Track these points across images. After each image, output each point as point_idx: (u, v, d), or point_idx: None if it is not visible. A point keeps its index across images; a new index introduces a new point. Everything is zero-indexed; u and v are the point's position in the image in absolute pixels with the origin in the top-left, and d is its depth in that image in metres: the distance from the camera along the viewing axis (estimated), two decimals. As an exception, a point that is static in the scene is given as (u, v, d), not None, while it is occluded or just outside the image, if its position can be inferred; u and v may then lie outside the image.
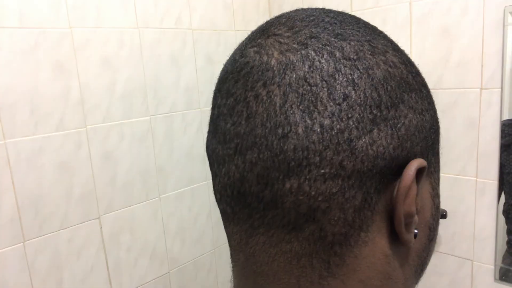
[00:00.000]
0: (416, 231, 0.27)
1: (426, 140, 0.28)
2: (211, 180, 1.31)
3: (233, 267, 0.31)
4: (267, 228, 0.26)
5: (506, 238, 1.27)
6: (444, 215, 1.34)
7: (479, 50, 1.21)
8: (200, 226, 1.57)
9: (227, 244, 1.43)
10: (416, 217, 0.27)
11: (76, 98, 1.20)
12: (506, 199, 1.25)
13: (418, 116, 0.27)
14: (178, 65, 1.43)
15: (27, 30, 1.09)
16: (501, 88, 1.19)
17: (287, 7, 1.64)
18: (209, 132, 0.30)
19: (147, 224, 1.41)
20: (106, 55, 1.25)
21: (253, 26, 1.65)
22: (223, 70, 0.30)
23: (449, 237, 1.37)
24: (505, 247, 1.28)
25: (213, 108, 0.30)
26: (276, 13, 1.71)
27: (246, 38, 0.30)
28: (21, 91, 1.09)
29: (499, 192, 1.25)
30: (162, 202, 1.44)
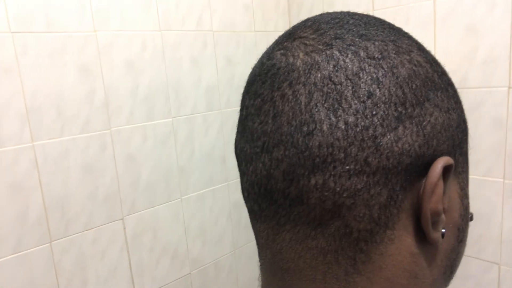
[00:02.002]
0: (443, 230, 0.27)
1: (453, 138, 0.28)
2: (231, 182, 1.31)
3: (261, 264, 0.31)
4: (293, 224, 0.27)
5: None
6: (470, 218, 1.31)
7: (507, 48, 1.18)
8: (220, 227, 1.57)
9: (246, 245, 1.44)
10: (443, 216, 0.26)
11: (101, 101, 1.21)
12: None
13: (444, 114, 0.27)
14: (199, 66, 1.43)
15: (54, 35, 1.10)
16: (530, 87, 1.16)
17: (306, 7, 1.63)
18: (237, 132, 0.31)
19: (169, 225, 1.42)
20: (129, 57, 1.26)
21: (272, 27, 1.66)
22: (251, 73, 0.31)
23: (474, 239, 1.34)
24: (534, 250, 1.25)
25: (241, 110, 0.30)
26: (295, 13, 1.72)
27: (273, 43, 0.31)
28: (48, 94, 1.11)
29: (527, 193, 1.22)
30: (183, 203, 1.45)
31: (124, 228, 1.30)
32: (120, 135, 1.26)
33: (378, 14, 1.42)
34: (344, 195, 0.25)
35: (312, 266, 0.27)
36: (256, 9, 1.59)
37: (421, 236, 0.27)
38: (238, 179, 1.60)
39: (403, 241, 0.26)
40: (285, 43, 0.28)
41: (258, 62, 0.31)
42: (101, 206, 1.24)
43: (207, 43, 1.45)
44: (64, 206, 1.16)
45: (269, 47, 0.30)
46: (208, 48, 1.45)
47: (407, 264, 0.26)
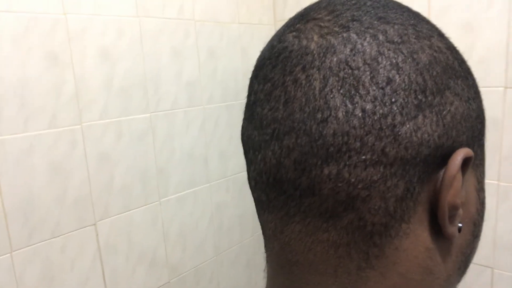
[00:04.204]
0: (460, 225, 0.26)
1: (472, 129, 0.27)
2: (213, 183, 1.19)
3: (267, 256, 0.30)
4: (303, 216, 0.25)
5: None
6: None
7: (503, 46, 1.14)
8: (202, 231, 1.47)
9: (228, 250, 1.32)
10: (460, 210, 0.25)
11: (71, 93, 1.08)
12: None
13: (464, 104, 0.26)
14: (180, 58, 1.33)
15: (17, 15, 0.97)
16: (528, 86, 1.12)
17: (292, 1, 1.55)
18: (244, 118, 0.29)
19: (146, 230, 1.30)
20: (103, 45, 1.14)
21: (256, 20, 1.57)
22: (260, 56, 0.29)
23: (466, 243, 1.30)
24: (527, 254, 1.22)
25: (249, 95, 0.29)
26: (281, 6, 1.63)
27: (284, 25, 0.29)
28: (9, 83, 0.97)
29: (523, 196, 1.19)
30: (162, 206, 1.34)
31: (97, 234, 1.17)
32: (92, 131, 1.14)
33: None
34: (359, 186, 0.24)
35: (323, 259, 0.26)
36: (240, 1, 1.50)
37: (437, 230, 0.26)
38: (221, 180, 1.50)
39: (418, 235, 0.25)
40: (298, 25, 0.26)
41: (267, 45, 0.29)
42: (70, 211, 1.11)
43: (189, 33, 1.34)
44: (28, 210, 1.03)
45: (280, 29, 0.28)
46: (190, 38, 1.35)
47: (421, 260, 0.25)
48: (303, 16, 0.27)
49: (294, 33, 0.26)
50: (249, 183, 0.30)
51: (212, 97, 1.43)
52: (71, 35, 1.07)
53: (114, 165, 1.20)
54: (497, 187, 1.22)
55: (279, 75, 0.26)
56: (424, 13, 1.24)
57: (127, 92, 1.20)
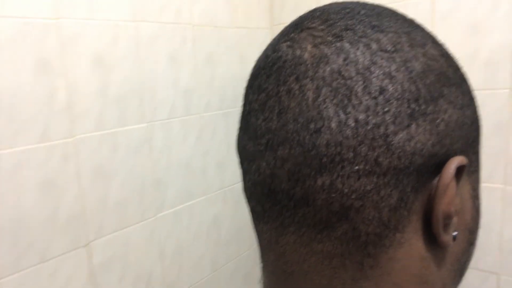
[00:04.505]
0: (455, 233, 0.26)
1: (467, 137, 0.27)
2: (210, 195, 1.12)
3: (262, 267, 0.30)
4: (298, 226, 0.25)
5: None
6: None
7: (509, 49, 1.14)
8: (199, 247, 1.39)
9: (226, 265, 1.24)
10: (455, 218, 0.25)
11: (63, 103, 0.99)
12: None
13: (458, 111, 0.26)
14: (177, 64, 1.26)
15: (5, 20, 0.88)
16: (534, 90, 1.12)
17: (290, 4, 1.51)
18: (240, 128, 0.29)
19: (142, 248, 1.21)
20: (98, 51, 1.05)
21: (254, 24, 1.52)
22: (255, 66, 0.29)
23: (472, 249, 1.29)
24: (534, 258, 1.21)
25: (244, 105, 0.29)
26: (278, 9, 1.58)
27: (279, 34, 0.29)
28: (-4, 94, 0.88)
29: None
30: (158, 222, 1.25)
31: (90, 256, 1.08)
32: (85, 144, 1.05)
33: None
34: (353, 196, 0.24)
35: (318, 270, 0.26)
36: (238, 3, 1.44)
37: (431, 239, 0.26)
38: (218, 191, 1.43)
39: (412, 244, 0.25)
40: (292, 35, 0.27)
41: (262, 54, 0.29)
42: (62, 231, 1.01)
43: (186, 37, 1.27)
44: (16, 233, 0.93)
45: (274, 39, 0.29)
46: (187, 43, 1.28)
47: (416, 269, 0.25)
48: (297, 26, 0.27)
49: (288, 43, 0.26)
50: (245, 193, 0.30)
51: (210, 104, 1.37)
52: (64, 40, 0.98)
53: (109, 180, 1.11)
54: (503, 191, 1.21)
55: (273, 85, 0.26)
56: (429, 16, 1.21)
57: (123, 101, 1.12)
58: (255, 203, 0.28)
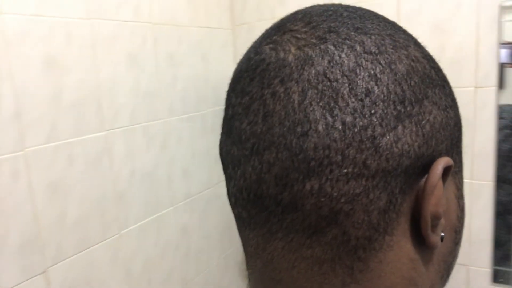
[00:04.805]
0: (442, 234, 0.26)
1: (451, 138, 0.27)
2: (178, 204, 1.03)
3: (249, 274, 0.29)
4: (286, 232, 0.25)
5: (503, 239, 1.25)
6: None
7: (473, 48, 1.16)
8: (168, 262, 1.30)
9: (197, 278, 1.15)
10: (442, 219, 0.25)
11: (10, 111, 0.86)
12: None
13: (442, 112, 0.26)
14: (137, 65, 1.16)
15: None
16: (497, 86, 1.16)
17: (252, 3, 1.46)
18: (222, 133, 0.29)
19: (107, 269, 1.10)
20: (49, 52, 0.93)
21: (215, 23, 1.45)
22: (237, 69, 0.28)
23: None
24: (500, 248, 1.26)
25: (226, 108, 0.28)
26: (239, 8, 1.52)
27: (260, 36, 0.28)
28: None
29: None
30: (123, 239, 1.14)
31: (48, 284, 0.95)
32: (37, 157, 0.92)
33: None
34: (342, 200, 0.23)
35: (307, 276, 0.25)
36: (198, 1, 1.37)
37: (419, 240, 0.26)
38: (186, 201, 1.34)
39: (402, 247, 0.25)
40: (274, 37, 0.26)
41: (244, 57, 0.28)
42: (13, 259, 0.88)
43: (147, 37, 1.18)
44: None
45: (256, 41, 0.28)
46: (147, 43, 1.18)
47: (405, 271, 0.25)
48: (280, 28, 0.27)
49: (271, 45, 0.26)
50: (229, 199, 0.29)
51: (173, 108, 1.28)
52: (8, 39, 0.85)
53: (65, 197, 0.99)
54: (471, 185, 1.25)
55: (257, 88, 0.25)
56: (394, 16, 1.21)
57: (78, 108, 1.00)
58: (241, 209, 0.27)
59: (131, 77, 1.14)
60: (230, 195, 0.29)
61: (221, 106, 1.50)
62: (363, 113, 0.23)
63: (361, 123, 0.23)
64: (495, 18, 1.12)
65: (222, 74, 1.47)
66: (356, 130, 0.23)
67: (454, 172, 0.28)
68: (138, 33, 1.15)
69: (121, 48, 1.10)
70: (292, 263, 0.25)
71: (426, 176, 0.25)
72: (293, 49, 0.25)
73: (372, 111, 0.23)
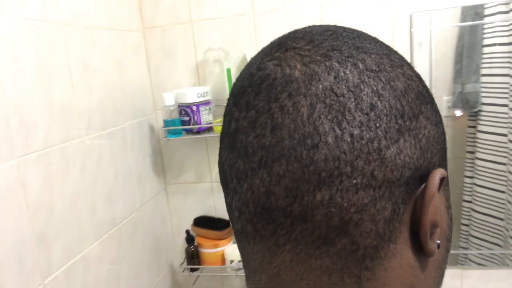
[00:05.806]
0: (438, 241, 0.27)
1: (442, 151, 0.29)
2: (103, 237, 0.93)
3: None
4: (294, 244, 0.25)
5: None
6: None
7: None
8: (98, 305, 1.09)
9: None
10: (439, 228, 0.27)
11: None
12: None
13: (434, 127, 0.28)
14: (49, 74, 0.94)
15: None
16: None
17: (165, 5, 1.34)
18: (223, 148, 0.29)
19: (31, 332, 0.86)
20: None
21: (126, 26, 1.28)
22: (237, 84, 0.29)
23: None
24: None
25: (228, 123, 0.28)
26: (149, 11, 1.40)
27: (260, 53, 0.29)
28: None
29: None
30: (46, 289, 0.92)
31: None
32: None
33: (260, 17, 1.29)
34: (352, 210, 0.24)
35: (316, 287, 0.25)
36: (108, 1, 1.19)
37: (418, 248, 0.27)
38: (112, 231, 1.16)
39: (403, 254, 0.26)
40: (277, 54, 0.27)
41: (244, 73, 0.29)
42: None
43: (56, 40, 0.97)
44: None
45: (255, 58, 0.29)
46: (57, 47, 0.97)
47: (407, 278, 0.26)
48: (281, 45, 0.27)
49: (274, 61, 0.26)
50: (231, 214, 0.29)
51: (91, 123, 1.08)
52: None
53: (-29, 249, 0.74)
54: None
55: (263, 102, 0.26)
56: (317, 22, 1.24)
57: (-19, 131, 0.76)
58: (246, 223, 0.27)
59: (41, 88, 0.92)
60: (233, 209, 0.28)
61: (139, 118, 1.33)
62: (369, 126, 0.24)
63: (368, 135, 0.24)
64: (407, 27, 1.22)
65: (137, 83, 1.31)
66: (363, 142, 0.24)
67: (444, 184, 0.29)
68: (46, 35, 0.93)
69: (27, 52, 0.88)
70: (301, 275, 0.25)
71: (422, 187, 0.26)
72: (298, 65, 0.26)
73: (377, 125, 0.24)
